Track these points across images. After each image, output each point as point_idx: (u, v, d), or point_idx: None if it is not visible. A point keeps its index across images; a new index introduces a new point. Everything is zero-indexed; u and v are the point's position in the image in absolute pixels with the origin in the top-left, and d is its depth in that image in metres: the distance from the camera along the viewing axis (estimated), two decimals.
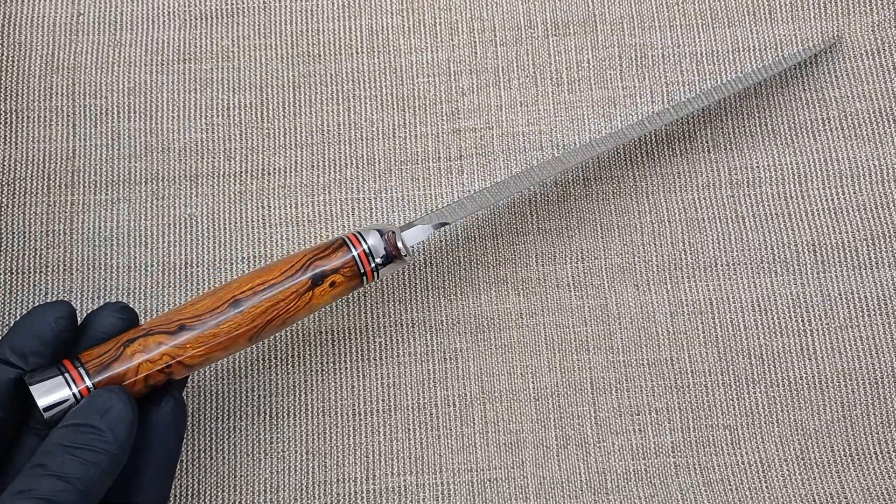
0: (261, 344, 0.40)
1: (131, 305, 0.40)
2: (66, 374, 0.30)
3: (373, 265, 0.35)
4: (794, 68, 0.44)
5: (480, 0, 0.44)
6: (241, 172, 0.42)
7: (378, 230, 0.35)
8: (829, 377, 0.40)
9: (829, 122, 0.43)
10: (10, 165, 0.42)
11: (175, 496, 0.38)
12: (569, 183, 0.43)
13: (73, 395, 0.30)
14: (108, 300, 0.40)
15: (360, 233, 0.35)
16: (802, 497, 0.39)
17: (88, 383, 0.30)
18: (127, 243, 0.41)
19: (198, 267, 0.41)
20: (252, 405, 0.40)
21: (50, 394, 0.30)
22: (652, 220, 0.42)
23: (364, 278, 0.35)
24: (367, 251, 0.35)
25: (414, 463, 0.39)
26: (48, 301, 0.40)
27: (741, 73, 0.43)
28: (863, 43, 0.44)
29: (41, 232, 0.41)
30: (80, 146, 0.42)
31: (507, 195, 0.38)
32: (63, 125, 0.42)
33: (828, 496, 0.39)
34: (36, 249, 0.41)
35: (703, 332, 0.41)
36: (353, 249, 0.34)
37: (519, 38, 0.44)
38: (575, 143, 0.43)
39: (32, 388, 0.30)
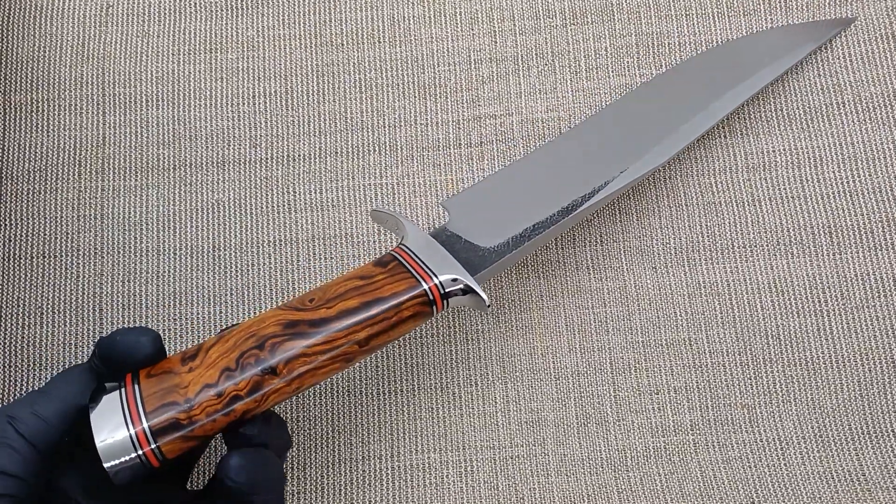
0: None
1: (160, 288, 0.41)
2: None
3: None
4: (809, 54, 0.44)
5: None
6: (267, 159, 0.43)
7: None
8: (845, 357, 0.41)
9: (843, 106, 0.44)
10: (42, 153, 0.43)
11: (201, 476, 0.39)
12: None
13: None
14: (137, 283, 0.41)
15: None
16: (820, 474, 0.39)
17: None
18: (156, 227, 0.42)
19: (225, 250, 0.42)
20: None
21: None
22: (669, 203, 0.43)
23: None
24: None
25: (438, 441, 0.40)
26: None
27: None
28: (877, 27, 0.45)
29: (73, 217, 0.42)
30: (109, 134, 0.43)
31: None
32: (93, 113, 0.43)
33: (845, 473, 0.39)
34: (68, 234, 0.42)
35: (721, 313, 0.41)
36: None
37: (538, 27, 0.45)
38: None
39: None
